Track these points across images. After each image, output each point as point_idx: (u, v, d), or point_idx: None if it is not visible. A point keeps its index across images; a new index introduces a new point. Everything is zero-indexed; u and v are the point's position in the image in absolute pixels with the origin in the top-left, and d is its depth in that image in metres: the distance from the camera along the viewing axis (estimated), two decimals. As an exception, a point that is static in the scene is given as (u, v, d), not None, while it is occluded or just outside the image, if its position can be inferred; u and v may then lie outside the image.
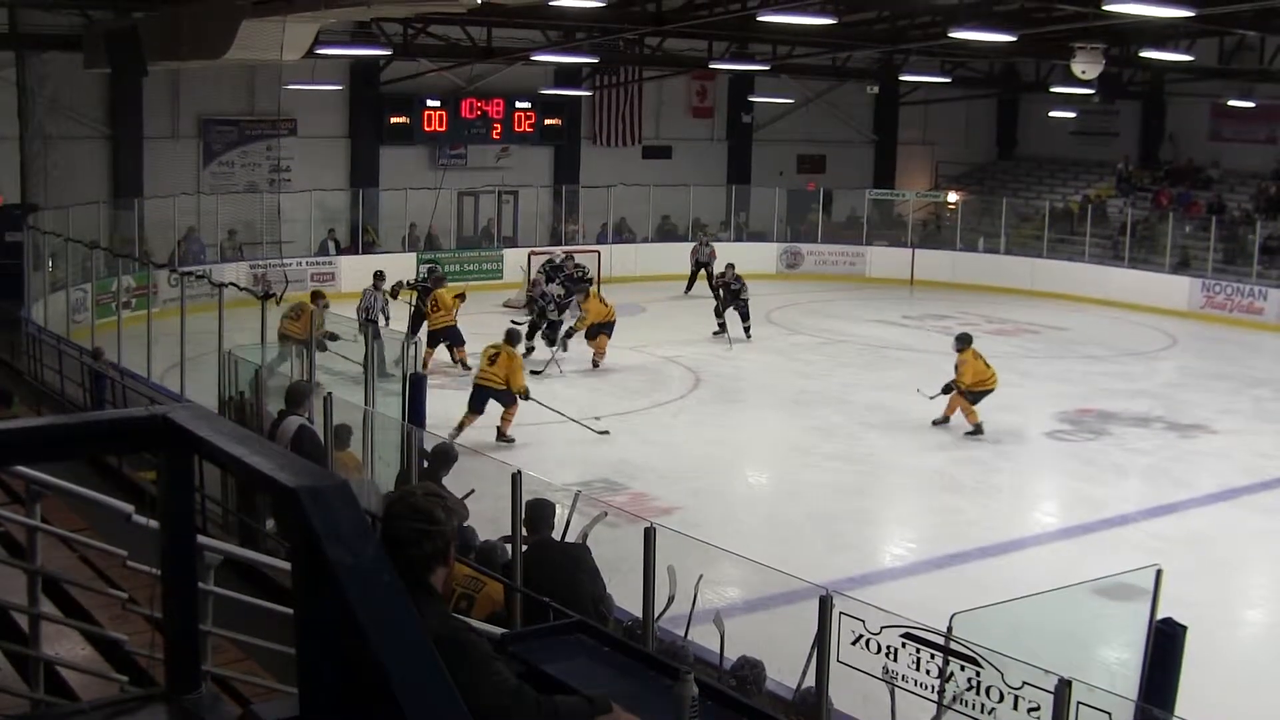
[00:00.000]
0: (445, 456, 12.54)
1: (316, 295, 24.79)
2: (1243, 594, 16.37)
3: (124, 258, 27.26)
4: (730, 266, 31.08)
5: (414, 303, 26.39)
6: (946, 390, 22.27)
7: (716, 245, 37.59)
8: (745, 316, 29.80)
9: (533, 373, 23.97)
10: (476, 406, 20.63)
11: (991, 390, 22.23)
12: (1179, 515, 18.52)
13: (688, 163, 43.40)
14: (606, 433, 20.90)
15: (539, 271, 31.99)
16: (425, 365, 24.23)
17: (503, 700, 4.42)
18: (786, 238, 42.69)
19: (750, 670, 8.90)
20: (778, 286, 37.98)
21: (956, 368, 22.36)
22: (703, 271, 35.92)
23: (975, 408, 22.10)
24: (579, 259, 33.28)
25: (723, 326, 29.54)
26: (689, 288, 36.26)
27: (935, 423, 22.54)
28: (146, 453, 3.71)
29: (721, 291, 30.39)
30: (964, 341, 22.70)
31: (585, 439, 20.81)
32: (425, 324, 25.47)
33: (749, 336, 29.54)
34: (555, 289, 28.38)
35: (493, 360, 20.87)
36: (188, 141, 34.99)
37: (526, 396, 20.83)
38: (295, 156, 36.29)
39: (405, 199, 36.89)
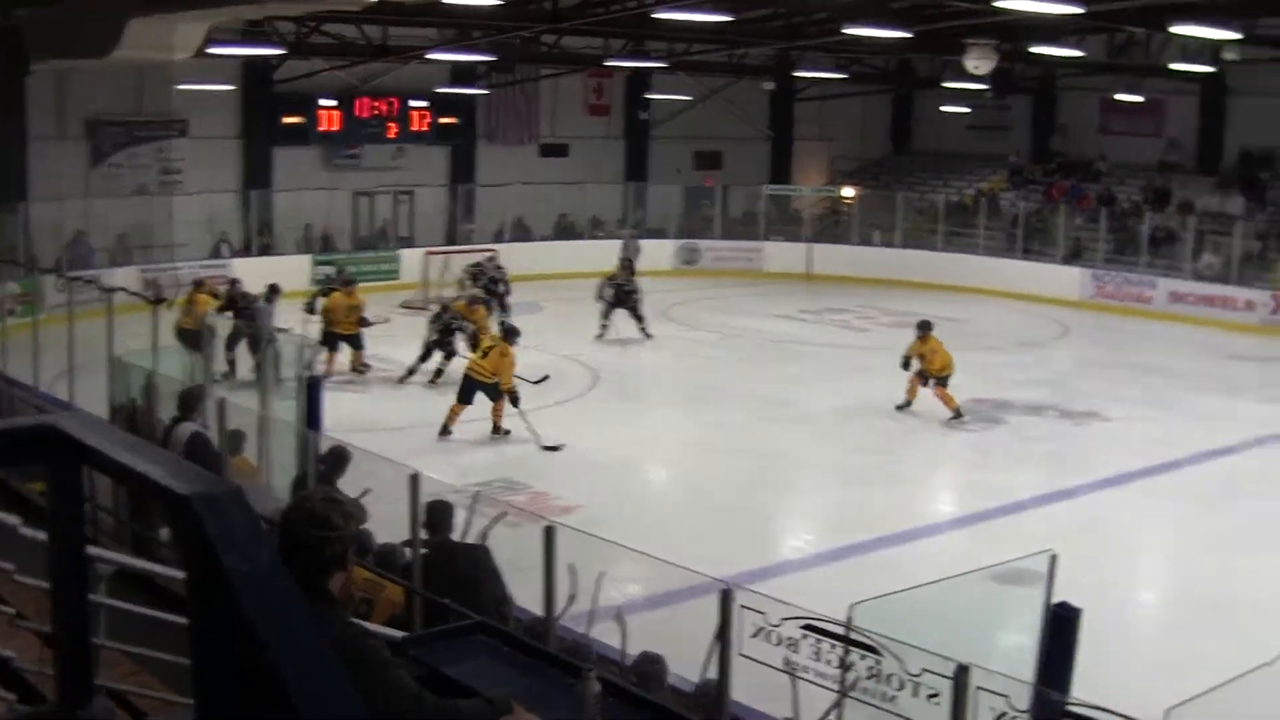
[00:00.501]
0: (340, 459, 12.44)
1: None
2: (1136, 577, 16.65)
3: (7, 263, 26.79)
4: (624, 266, 30.89)
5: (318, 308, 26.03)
6: (924, 381, 22.94)
7: (614, 242, 37.71)
8: (639, 317, 29.58)
9: (431, 383, 23.93)
10: (464, 398, 20.81)
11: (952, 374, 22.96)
12: (1073, 501, 18.79)
13: (585, 160, 43.33)
14: (558, 448, 20.54)
15: (464, 272, 31.79)
16: (327, 371, 23.94)
17: (403, 705, 4.40)
18: (684, 234, 42.82)
19: (651, 666, 8.91)
20: (675, 283, 38.03)
21: (923, 355, 22.86)
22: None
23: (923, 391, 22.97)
24: (499, 261, 32.82)
25: (605, 329, 29.38)
26: None
27: (899, 407, 23.15)
28: (34, 463, 3.64)
29: (613, 292, 29.81)
30: (926, 328, 23.16)
31: (484, 439, 20.80)
32: (326, 327, 25.17)
33: (648, 335, 29.51)
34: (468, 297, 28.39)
35: (485, 354, 21.04)
36: (75, 143, 34.18)
37: (515, 401, 20.75)
38: (187, 158, 35.78)
39: (300, 200, 36.62)
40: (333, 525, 4.27)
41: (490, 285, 30.33)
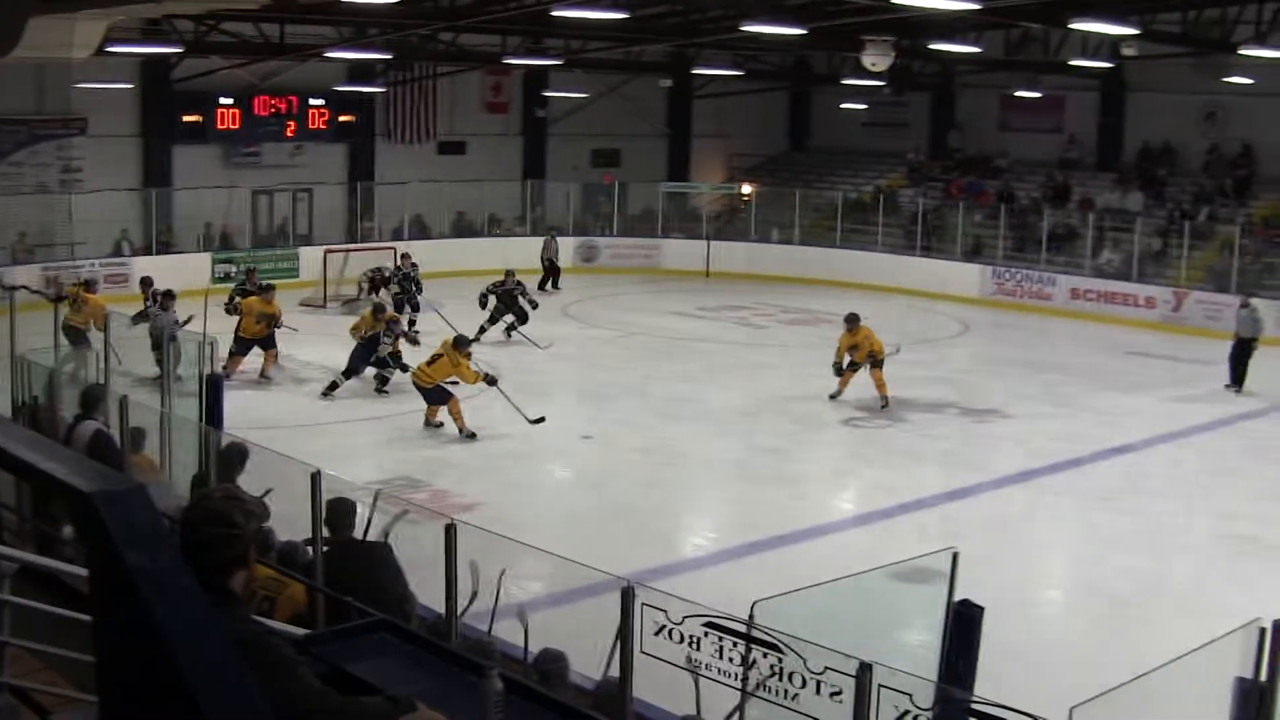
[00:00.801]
0: (238, 455, 12.36)
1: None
2: (1038, 574, 16.73)
3: (-94, 264, 26.47)
4: (510, 273, 29.78)
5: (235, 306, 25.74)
6: (879, 364, 23.50)
7: (512, 240, 37.75)
8: (523, 320, 29.11)
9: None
10: (426, 400, 21.30)
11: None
12: (974, 499, 18.89)
13: (483, 158, 43.14)
14: (542, 419, 21.19)
15: (365, 279, 31.59)
16: (229, 370, 23.43)
17: (306, 703, 4.39)
18: (582, 232, 42.86)
19: (554, 664, 8.91)
20: (574, 281, 38.07)
21: (856, 345, 23.32)
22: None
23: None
24: (414, 259, 32.41)
25: (483, 330, 28.51)
26: (548, 286, 36.70)
27: (832, 396, 23.64)
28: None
29: (498, 299, 29.17)
30: (854, 320, 23.61)
31: (387, 437, 20.81)
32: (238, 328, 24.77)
33: (509, 336, 28.98)
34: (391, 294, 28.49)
35: (432, 361, 21.30)
36: (-27, 142, 33.98)
37: (493, 382, 21.36)
38: (87, 156, 35.40)
39: (200, 198, 36.31)
40: (233, 523, 4.25)
41: (404, 283, 30.27)
